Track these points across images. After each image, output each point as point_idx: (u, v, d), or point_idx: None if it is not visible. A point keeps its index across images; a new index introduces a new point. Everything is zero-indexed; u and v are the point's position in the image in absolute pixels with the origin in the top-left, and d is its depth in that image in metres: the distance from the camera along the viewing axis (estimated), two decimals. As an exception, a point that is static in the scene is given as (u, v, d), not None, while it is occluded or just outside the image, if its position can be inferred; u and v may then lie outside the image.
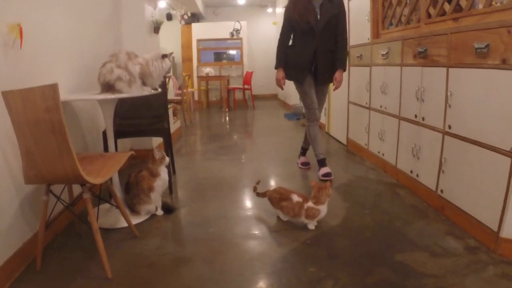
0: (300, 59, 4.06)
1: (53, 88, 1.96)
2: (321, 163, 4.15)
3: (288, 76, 4.25)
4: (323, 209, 2.87)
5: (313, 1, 3.91)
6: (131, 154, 2.78)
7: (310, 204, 2.86)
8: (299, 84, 4.19)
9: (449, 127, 2.90)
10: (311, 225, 2.91)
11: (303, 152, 4.66)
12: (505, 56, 2.28)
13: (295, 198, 2.92)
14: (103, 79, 2.84)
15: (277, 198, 3.00)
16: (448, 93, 2.88)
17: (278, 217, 3.08)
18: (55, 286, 2.21)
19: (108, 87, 2.84)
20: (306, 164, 4.56)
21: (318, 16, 3.90)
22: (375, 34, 4.50)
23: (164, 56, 3.07)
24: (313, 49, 3.96)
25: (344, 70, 4.10)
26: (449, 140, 2.93)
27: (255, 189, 3.19)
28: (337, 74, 4.06)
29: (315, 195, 2.88)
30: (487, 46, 2.41)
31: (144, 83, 2.99)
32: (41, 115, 2.01)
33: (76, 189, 2.84)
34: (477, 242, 2.58)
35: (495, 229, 2.42)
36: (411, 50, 3.46)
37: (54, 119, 2.01)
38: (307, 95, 4.14)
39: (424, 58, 3.24)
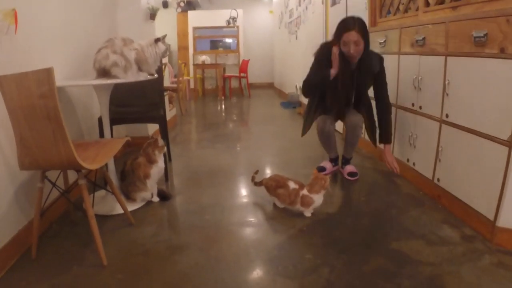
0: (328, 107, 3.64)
1: (48, 72, 1.93)
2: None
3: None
4: (317, 198, 2.87)
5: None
6: (127, 140, 2.76)
7: (304, 191, 2.87)
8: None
9: (447, 116, 2.90)
10: (307, 213, 2.90)
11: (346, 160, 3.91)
12: (503, 45, 2.26)
13: (292, 185, 2.92)
14: (99, 65, 2.81)
15: (274, 186, 3.00)
16: (446, 82, 2.87)
17: (274, 205, 3.08)
18: (50, 274, 2.20)
19: (103, 73, 2.82)
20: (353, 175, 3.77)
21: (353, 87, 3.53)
22: (373, 22, 4.48)
23: (157, 40, 3.03)
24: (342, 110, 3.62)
25: (389, 142, 3.58)
26: (446, 129, 2.92)
27: (253, 179, 3.19)
28: (385, 152, 3.57)
29: (310, 183, 2.89)
30: (486, 35, 2.40)
31: (140, 69, 2.97)
32: (36, 101, 1.98)
33: (72, 176, 2.83)
34: (473, 231, 2.58)
35: (492, 218, 2.42)
36: (409, 38, 3.45)
37: (49, 105, 1.98)
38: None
39: (421, 47, 3.22)
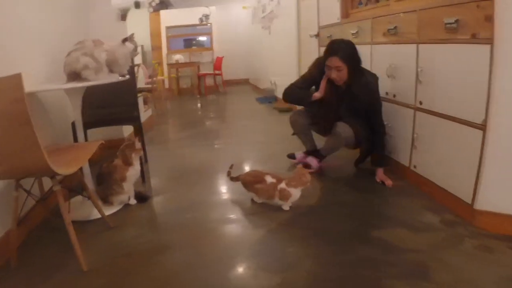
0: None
1: (17, 78, 1.89)
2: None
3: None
4: (295, 192, 2.87)
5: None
6: (100, 143, 2.73)
7: (282, 185, 2.87)
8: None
9: (420, 103, 2.92)
10: (286, 206, 2.91)
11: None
12: (475, 30, 2.29)
13: (269, 179, 2.92)
14: (69, 68, 2.77)
15: (251, 181, 3.00)
16: (419, 70, 2.90)
17: (253, 200, 3.07)
18: (32, 284, 2.16)
19: (74, 76, 2.77)
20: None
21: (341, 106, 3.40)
22: (345, 14, 4.49)
23: (124, 40, 3.00)
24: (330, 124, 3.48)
25: (381, 167, 3.36)
26: (420, 116, 2.95)
27: (228, 174, 3.18)
28: (377, 174, 3.35)
29: (291, 176, 2.91)
30: (457, 21, 2.42)
31: (111, 70, 2.93)
32: (6, 107, 1.94)
33: (48, 183, 2.78)
34: (454, 216, 2.62)
35: (470, 202, 2.46)
36: (381, 28, 3.47)
37: (19, 111, 1.94)
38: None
39: (394, 36, 3.25)
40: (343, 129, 3.32)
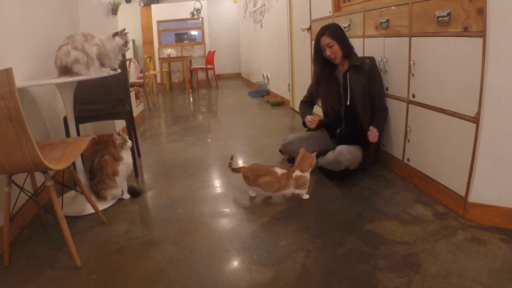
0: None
1: (7, 73, 1.87)
2: None
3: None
4: (308, 177, 2.95)
5: (337, 72, 3.47)
6: (92, 137, 2.72)
7: (297, 172, 2.91)
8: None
9: (413, 96, 2.93)
10: (305, 195, 2.99)
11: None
12: (467, 23, 2.30)
13: (279, 170, 2.93)
14: (60, 62, 2.75)
15: (254, 175, 2.98)
16: (411, 63, 2.91)
17: (246, 194, 3.08)
18: (24, 281, 2.15)
19: (65, 70, 2.76)
20: None
21: (347, 89, 3.36)
22: (336, 7, 4.48)
23: (115, 34, 2.99)
24: (337, 129, 3.52)
25: (379, 131, 3.24)
26: (413, 109, 2.96)
27: (230, 165, 3.11)
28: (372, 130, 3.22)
29: (298, 163, 2.95)
30: (449, 14, 2.43)
31: (102, 64, 2.91)
32: (-4, 103, 1.93)
33: (41, 179, 2.77)
34: (446, 208, 2.63)
35: (463, 194, 2.47)
36: (373, 21, 3.47)
37: (10, 107, 1.92)
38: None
39: (386, 29, 3.25)
40: (346, 157, 3.17)
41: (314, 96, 3.70)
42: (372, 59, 3.36)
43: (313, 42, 5.00)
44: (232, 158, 3.15)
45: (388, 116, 3.33)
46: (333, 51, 3.31)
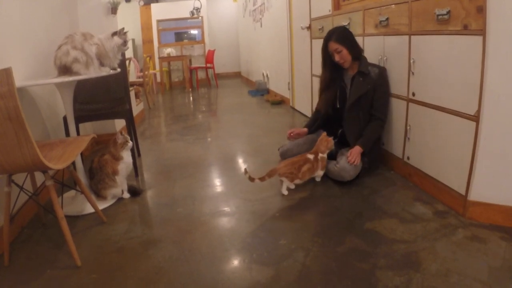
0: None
1: (7, 72, 1.87)
2: None
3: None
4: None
5: (346, 75, 3.45)
6: (92, 137, 2.72)
7: (321, 154, 3.09)
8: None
9: (413, 94, 2.93)
10: (319, 177, 3.19)
11: None
12: (466, 21, 2.29)
13: (311, 156, 3.08)
14: (59, 62, 2.75)
15: (297, 169, 3.00)
16: (411, 61, 2.90)
17: (246, 193, 3.09)
18: (24, 280, 2.15)
19: (65, 70, 2.75)
20: None
21: (348, 93, 3.40)
22: (336, 5, 4.48)
23: (114, 33, 2.98)
24: (339, 129, 3.54)
25: (363, 150, 3.20)
26: (413, 107, 2.96)
27: (251, 179, 2.97)
28: (354, 149, 3.20)
29: (318, 145, 3.13)
30: (448, 12, 2.43)
31: (102, 64, 2.91)
32: (-5, 102, 1.93)
33: (41, 178, 2.77)
34: (446, 207, 2.63)
35: (463, 193, 2.47)
36: (372, 19, 3.46)
37: (9, 106, 1.92)
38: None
39: (385, 27, 3.24)
40: (349, 173, 3.13)
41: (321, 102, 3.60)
42: (382, 69, 3.26)
43: (312, 40, 5.04)
44: (246, 171, 3.01)
45: (389, 116, 3.33)
46: (342, 56, 3.25)
